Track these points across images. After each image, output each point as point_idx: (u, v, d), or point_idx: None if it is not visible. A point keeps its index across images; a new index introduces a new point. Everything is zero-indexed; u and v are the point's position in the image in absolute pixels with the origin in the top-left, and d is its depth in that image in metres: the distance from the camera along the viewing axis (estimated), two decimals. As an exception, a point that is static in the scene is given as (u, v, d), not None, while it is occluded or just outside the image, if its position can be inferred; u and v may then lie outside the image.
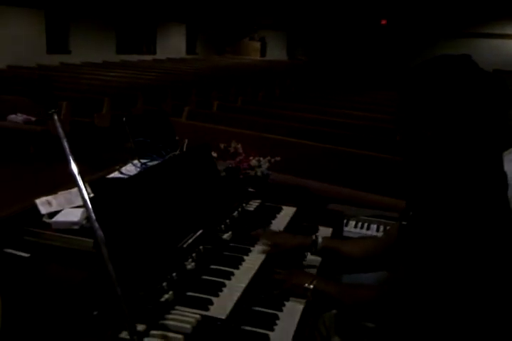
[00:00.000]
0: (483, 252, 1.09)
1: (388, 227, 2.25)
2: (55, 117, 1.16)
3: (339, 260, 1.77)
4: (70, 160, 1.08)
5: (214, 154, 2.34)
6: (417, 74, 1.17)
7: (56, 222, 1.36)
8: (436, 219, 1.13)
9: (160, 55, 15.39)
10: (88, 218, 1.02)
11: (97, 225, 0.99)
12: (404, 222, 1.31)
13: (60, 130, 1.13)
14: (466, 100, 1.09)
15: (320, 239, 1.63)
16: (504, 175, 1.15)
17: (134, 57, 13.78)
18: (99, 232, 0.98)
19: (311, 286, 1.39)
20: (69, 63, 11.23)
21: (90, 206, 1.00)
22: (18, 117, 5.86)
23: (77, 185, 1.03)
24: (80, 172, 1.06)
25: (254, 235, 1.69)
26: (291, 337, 1.25)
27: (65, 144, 1.11)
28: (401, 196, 1.58)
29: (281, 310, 1.36)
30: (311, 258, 1.70)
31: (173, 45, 16.43)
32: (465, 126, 1.10)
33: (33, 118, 5.80)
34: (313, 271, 1.64)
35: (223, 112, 5.72)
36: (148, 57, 14.50)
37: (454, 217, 1.10)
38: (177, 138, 2.35)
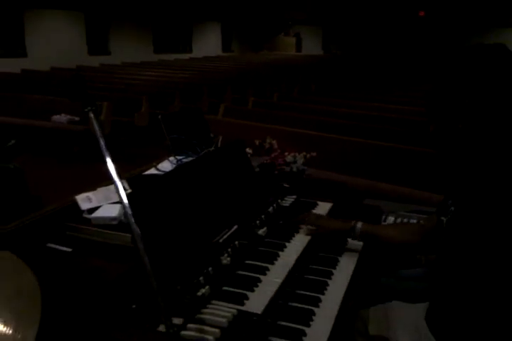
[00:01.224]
0: None
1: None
2: (91, 115, 1.19)
3: (378, 255, 1.75)
4: (106, 156, 1.10)
5: (249, 150, 2.35)
6: (450, 64, 1.14)
7: (96, 218, 1.40)
8: (487, 216, 1.09)
9: (196, 53, 15.58)
10: (126, 213, 1.04)
11: (133, 220, 1.01)
12: (443, 218, 1.27)
13: (97, 128, 1.15)
14: (497, 90, 1.05)
15: (359, 224, 1.62)
16: None
17: (171, 56, 14.00)
18: (135, 227, 1.00)
19: None
20: (109, 64, 11.52)
21: (126, 201, 1.02)
22: (62, 117, 6.06)
23: (112, 180, 1.05)
24: (116, 169, 1.08)
25: (299, 219, 1.74)
26: (328, 333, 1.24)
27: (102, 141, 1.14)
28: (440, 190, 1.54)
29: (318, 306, 1.35)
30: (353, 243, 1.70)
31: (208, 43, 16.59)
32: (497, 118, 1.06)
33: (77, 118, 5.99)
34: (356, 255, 1.64)
35: (259, 108, 5.73)
36: (185, 56, 14.69)
37: (505, 211, 1.06)
38: (212, 134, 2.37)
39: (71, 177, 4.45)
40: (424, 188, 2.52)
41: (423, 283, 1.59)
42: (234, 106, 6.32)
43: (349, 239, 1.73)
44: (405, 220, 2.39)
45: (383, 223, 2.29)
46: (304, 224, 1.73)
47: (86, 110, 1.20)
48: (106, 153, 1.13)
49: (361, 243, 1.71)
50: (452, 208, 1.23)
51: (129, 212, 1.02)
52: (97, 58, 11.85)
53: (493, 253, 1.08)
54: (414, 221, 2.38)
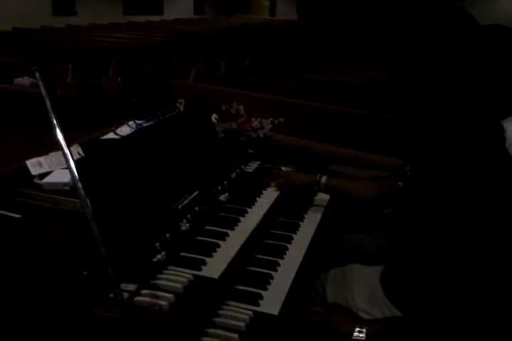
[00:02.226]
0: (493, 209, 1.04)
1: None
2: (37, 75, 1.12)
3: (339, 219, 1.78)
4: (52, 119, 1.05)
5: (216, 116, 2.30)
6: (407, 27, 1.11)
7: (47, 183, 1.35)
8: (440, 182, 1.10)
9: (167, 15, 15.04)
10: (73, 178, 1.00)
11: (80, 185, 0.97)
12: (400, 183, 1.28)
13: (43, 88, 1.10)
14: (452, 55, 1.03)
15: (324, 178, 1.68)
16: (501, 130, 1.10)
17: (141, 18, 13.48)
18: (82, 193, 0.96)
19: (364, 336, 1.16)
20: (75, 25, 11.03)
21: (72, 165, 0.98)
22: (25, 80, 5.81)
23: (59, 144, 1.00)
24: (63, 132, 1.03)
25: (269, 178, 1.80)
26: (284, 296, 1.25)
27: (48, 104, 1.09)
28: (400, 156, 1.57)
29: (276, 270, 1.36)
30: (314, 207, 1.74)
31: (180, 5, 16.03)
32: (452, 83, 1.04)
33: (40, 82, 5.74)
34: (316, 219, 1.66)
35: (231, 74, 5.61)
36: (156, 18, 14.18)
37: (459, 179, 1.07)
38: (181, 99, 2.30)
39: (34, 141, 4.31)
40: (390, 154, 2.53)
41: (382, 246, 1.61)
42: (205, 71, 6.17)
43: (311, 203, 1.75)
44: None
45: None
46: (273, 180, 1.78)
47: (32, 69, 1.14)
48: (52, 116, 1.08)
49: (322, 208, 1.73)
50: (409, 173, 1.23)
51: (76, 177, 0.98)
52: (62, 19, 11.31)
53: (444, 218, 1.09)
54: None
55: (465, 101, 1.06)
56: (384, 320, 1.22)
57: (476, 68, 1.03)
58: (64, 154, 1.00)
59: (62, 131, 1.05)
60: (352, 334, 1.15)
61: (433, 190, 1.11)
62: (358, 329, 1.15)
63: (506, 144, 1.12)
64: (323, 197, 1.81)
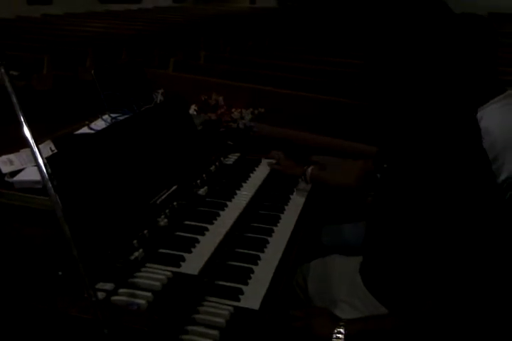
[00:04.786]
0: (463, 207, 1.04)
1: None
2: (3, 70, 1.08)
3: (320, 210, 1.78)
4: (19, 115, 1.01)
5: (195, 107, 2.26)
6: (382, 15, 1.09)
7: (18, 181, 1.31)
8: (413, 173, 1.09)
9: (146, 3, 14.73)
10: (42, 177, 0.96)
11: (50, 185, 0.94)
12: (378, 175, 1.27)
13: (8, 83, 1.05)
14: (426, 44, 1.02)
15: (309, 169, 1.75)
16: (476, 125, 1.10)
17: (119, 7, 13.19)
18: (53, 192, 0.93)
19: (342, 337, 1.16)
20: (51, 14, 10.77)
21: (41, 163, 0.94)
22: (-2, 72, 5.66)
23: (27, 141, 0.97)
24: (29, 128, 0.99)
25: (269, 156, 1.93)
26: (265, 290, 1.24)
27: (14, 100, 1.05)
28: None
29: (257, 264, 1.35)
30: (295, 199, 1.74)
31: (159, -8, 15.70)
32: (426, 72, 1.03)
33: (15, 73, 5.60)
34: (298, 210, 1.65)
35: (211, 63, 5.54)
36: (134, 6, 13.89)
37: (432, 170, 1.06)
38: (161, 90, 2.25)
39: (9, 137, 4.22)
40: (374, 143, 2.52)
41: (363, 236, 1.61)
42: (185, 60, 6.08)
43: (292, 195, 1.74)
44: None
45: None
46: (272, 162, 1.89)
47: (-3, 65, 1.10)
48: (19, 112, 1.03)
49: (303, 199, 1.71)
50: (385, 165, 1.23)
51: (46, 176, 0.94)
52: (37, 8, 11.00)
53: (417, 210, 1.08)
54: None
55: (439, 90, 1.05)
56: (361, 320, 1.21)
57: (451, 57, 1.02)
58: (32, 152, 0.96)
59: (32, 126, 1.01)
60: (331, 337, 1.15)
61: (407, 181, 1.11)
62: (336, 330, 1.15)
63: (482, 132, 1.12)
64: (303, 189, 1.79)
